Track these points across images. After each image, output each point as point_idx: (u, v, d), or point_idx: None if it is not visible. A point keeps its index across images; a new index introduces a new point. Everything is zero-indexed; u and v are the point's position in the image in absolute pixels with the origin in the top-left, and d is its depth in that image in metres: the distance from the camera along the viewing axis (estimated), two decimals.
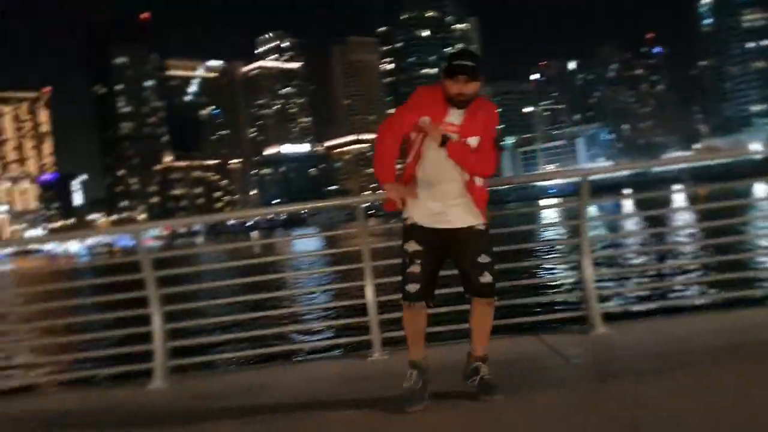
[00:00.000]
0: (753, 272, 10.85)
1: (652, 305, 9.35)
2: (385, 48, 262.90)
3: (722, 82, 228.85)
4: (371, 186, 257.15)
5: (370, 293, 4.75)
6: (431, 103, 3.36)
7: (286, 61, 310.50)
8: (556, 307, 11.50)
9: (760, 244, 11.97)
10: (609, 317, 4.72)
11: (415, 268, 3.38)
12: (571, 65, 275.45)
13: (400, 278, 3.45)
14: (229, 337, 6.01)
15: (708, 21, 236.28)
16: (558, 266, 16.22)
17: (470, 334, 3.53)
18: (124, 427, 3.87)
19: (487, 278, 3.35)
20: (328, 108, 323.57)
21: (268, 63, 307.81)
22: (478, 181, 3.41)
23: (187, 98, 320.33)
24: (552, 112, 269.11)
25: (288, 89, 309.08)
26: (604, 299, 5.35)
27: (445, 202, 3.38)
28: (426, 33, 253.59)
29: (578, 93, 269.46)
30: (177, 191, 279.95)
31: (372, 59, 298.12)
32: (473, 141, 3.34)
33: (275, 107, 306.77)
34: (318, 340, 9.36)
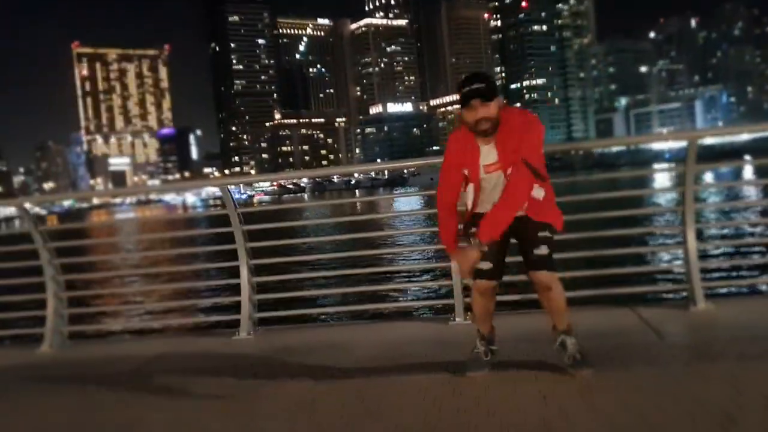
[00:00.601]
0: None
1: (761, 283, 8.69)
2: (493, 4, 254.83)
3: None
4: None
5: (244, 273, 4.80)
6: (462, 151, 3.27)
7: (394, 18, 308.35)
8: (656, 280, 11.11)
9: None
10: (713, 294, 4.51)
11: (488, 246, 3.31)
12: (693, 22, 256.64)
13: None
14: (316, 293, 6.04)
15: None
16: (661, 237, 15.57)
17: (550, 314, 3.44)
18: (209, 374, 4.04)
19: (543, 250, 3.22)
20: (434, 66, 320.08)
21: (375, 20, 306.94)
22: (536, 194, 3.24)
23: (297, 56, 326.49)
24: (669, 73, 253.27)
25: (394, 47, 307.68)
26: (708, 274, 4.97)
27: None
28: None
29: (699, 53, 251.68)
30: (285, 148, 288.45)
31: (479, 16, 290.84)
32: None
33: (381, 66, 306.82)
34: (404, 300, 9.40)
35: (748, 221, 16.03)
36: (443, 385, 3.38)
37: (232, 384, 3.79)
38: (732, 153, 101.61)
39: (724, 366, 3.20)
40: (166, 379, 4.04)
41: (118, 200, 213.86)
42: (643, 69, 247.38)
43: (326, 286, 8.76)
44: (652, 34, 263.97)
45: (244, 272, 4.87)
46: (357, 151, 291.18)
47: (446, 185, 3.36)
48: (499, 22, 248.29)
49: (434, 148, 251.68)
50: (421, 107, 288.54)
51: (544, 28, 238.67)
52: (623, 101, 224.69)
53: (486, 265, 3.31)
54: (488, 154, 3.20)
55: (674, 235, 5.03)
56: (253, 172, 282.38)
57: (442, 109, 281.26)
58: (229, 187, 4.88)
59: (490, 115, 3.09)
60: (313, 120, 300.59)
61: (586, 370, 3.31)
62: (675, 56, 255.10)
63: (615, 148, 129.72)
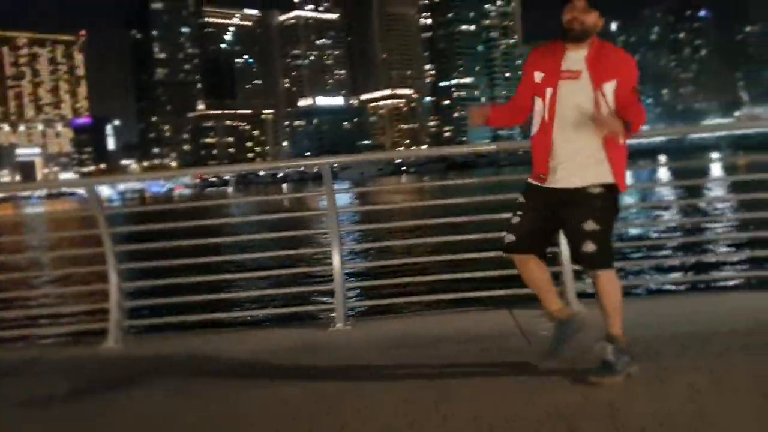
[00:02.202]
0: None
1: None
2: (424, 2, 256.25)
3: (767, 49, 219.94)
4: (405, 142, 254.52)
5: (337, 260, 4.57)
6: (545, 52, 3.19)
7: (324, 11, 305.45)
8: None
9: None
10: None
11: (514, 219, 3.25)
12: (614, 26, 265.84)
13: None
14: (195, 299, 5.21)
15: None
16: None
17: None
18: (74, 383, 3.87)
19: (588, 247, 3.01)
20: (364, 61, 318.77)
21: (305, 12, 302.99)
22: (621, 139, 3.07)
23: (223, 46, 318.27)
24: None
25: (324, 40, 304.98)
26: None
27: (560, 160, 3.10)
28: None
29: None
30: (209, 140, 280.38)
31: (411, 13, 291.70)
32: (608, 87, 3.02)
33: (310, 58, 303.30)
34: (279, 305, 7.93)
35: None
36: (321, 395, 3.31)
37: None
38: (649, 152, 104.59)
39: (577, 370, 3.24)
40: None
41: (26, 193, 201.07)
42: None
43: (218, 290, 8.33)
44: None
45: (113, 277, 4.65)
46: (285, 144, 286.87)
47: (519, 89, 3.31)
48: (429, 20, 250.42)
49: (365, 142, 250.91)
50: (351, 101, 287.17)
51: (472, 27, 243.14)
52: None
53: (509, 238, 3.25)
54: (573, 60, 3.07)
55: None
56: (174, 164, 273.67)
57: (373, 104, 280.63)
58: (95, 187, 4.83)
59: (584, 19, 3.02)
60: (239, 111, 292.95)
61: (607, 378, 3.10)
62: None
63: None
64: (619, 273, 3.37)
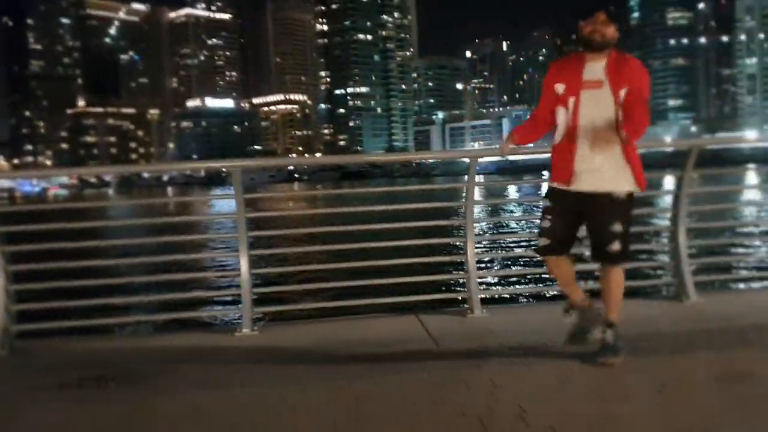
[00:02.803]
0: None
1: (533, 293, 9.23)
2: (320, 8, 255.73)
3: None
4: (298, 148, 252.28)
5: (244, 265, 4.49)
6: (564, 65, 3.41)
7: (217, 11, 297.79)
8: (450, 287, 11.35)
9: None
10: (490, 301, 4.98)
11: (545, 223, 3.47)
12: (505, 46, 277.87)
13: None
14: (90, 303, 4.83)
15: (636, 15, 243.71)
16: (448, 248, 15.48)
17: (602, 299, 3.57)
18: None
19: (615, 247, 3.34)
20: (257, 64, 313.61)
21: (197, 11, 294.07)
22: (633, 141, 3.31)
23: (107, 41, 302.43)
24: (482, 91, 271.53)
25: (216, 41, 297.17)
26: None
27: (594, 165, 3.30)
28: None
29: (508, 74, 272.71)
30: (89, 138, 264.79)
31: (307, 19, 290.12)
32: (622, 93, 3.22)
33: (201, 58, 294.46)
34: (186, 311, 7.42)
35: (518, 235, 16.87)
36: (219, 404, 3.20)
37: None
38: (537, 167, 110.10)
39: (486, 373, 3.39)
40: None
41: None
42: (459, 86, 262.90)
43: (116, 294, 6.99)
44: (468, 54, 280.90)
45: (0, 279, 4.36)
46: (171, 145, 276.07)
47: (540, 103, 3.51)
48: (325, 27, 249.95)
49: (256, 147, 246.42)
50: (243, 104, 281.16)
51: (369, 37, 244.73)
52: (441, 115, 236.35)
53: (543, 242, 3.48)
54: (593, 70, 3.28)
55: (459, 247, 4.85)
56: (49, 162, 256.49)
57: (266, 108, 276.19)
58: None
59: (605, 31, 3.22)
60: (122, 110, 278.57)
61: (615, 359, 3.41)
62: (488, 76, 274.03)
63: (431, 159, 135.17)
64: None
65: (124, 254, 5.71)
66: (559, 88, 3.33)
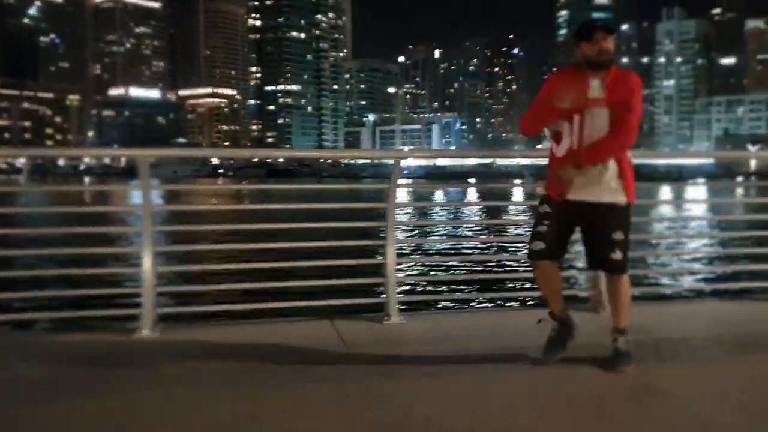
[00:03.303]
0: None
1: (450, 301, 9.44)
2: (254, 3, 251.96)
3: None
4: (225, 143, 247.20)
5: (148, 262, 4.20)
6: (569, 80, 3.37)
7: None
8: (370, 292, 11.20)
9: None
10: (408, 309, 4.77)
11: (541, 228, 3.45)
12: (437, 53, 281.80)
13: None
14: None
15: (563, 32, 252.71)
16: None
17: (611, 307, 3.60)
18: None
19: (617, 255, 3.37)
20: (186, 56, 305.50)
21: None
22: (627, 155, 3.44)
23: (26, 21, 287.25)
24: (413, 96, 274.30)
25: (144, 29, 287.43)
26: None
27: (594, 177, 3.36)
28: None
29: (440, 81, 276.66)
30: (1, 122, 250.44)
31: (240, 12, 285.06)
32: (617, 110, 3.31)
33: (127, 46, 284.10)
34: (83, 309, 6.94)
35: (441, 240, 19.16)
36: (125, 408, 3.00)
37: None
38: (462, 174, 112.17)
39: (397, 383, 3.29)
40: None
41: None
42: (391, 90, 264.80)
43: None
44: (401, 59, 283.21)
45: None
46: (91, 133, 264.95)
47: (536, 116, 3.50)
48: (258, 22, 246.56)
49: (180, 140, 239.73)
50: (169, 96, 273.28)
51: (303, 35, 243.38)
52: (371, 117, 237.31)
53: (538, 246, 3.44)
54: (596, 88, 3.31)
55: (379, 250, 4.69)
56: None
57: (193, 101, 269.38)
58: None
59: (609, 48, 3.28)
60: (40, 94, 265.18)
61: (627, 367, 3.42)
62: (419, 82, 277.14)
63: (360, 161, 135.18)
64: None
65: (17, 244, 5.25)
66: (563, 102, 3.30)
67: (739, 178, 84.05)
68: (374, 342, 4.06)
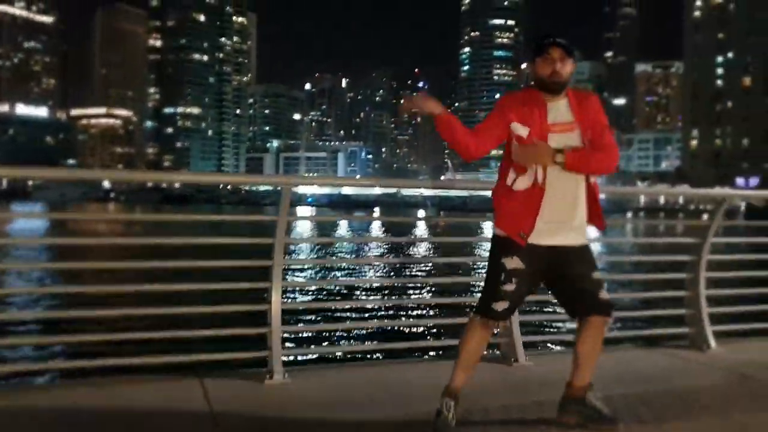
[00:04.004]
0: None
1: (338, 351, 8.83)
2: (155, 23, 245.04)
3: (470, 126, 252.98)
4: (118, 165, 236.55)
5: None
6: (524, 102, 2.96)
7: (38, 12, 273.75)
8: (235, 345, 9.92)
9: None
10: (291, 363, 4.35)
11: (510, 287, 2.94)
12: (344, 82, 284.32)
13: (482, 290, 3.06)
14: None
15: (466, 68, 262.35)
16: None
17: (576, 361, 3.06)
18: None
19: (605, 295, 2.97)
20: (80, 74, 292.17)
21: (14, 9, 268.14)
22: (593, 179, 3.04)
23: None
24: (319, 124, 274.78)
25: (34, 44, 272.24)
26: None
27: (564, 217, 2.96)
28: (202, 17, 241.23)
29: (346, 110, 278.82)
30: None
31: (139, 32, 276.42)
32: (589, 134, 2.95)
33: (14, 60, 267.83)
34: None
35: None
36: None
37: None
38: (369, 203, 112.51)
39: None
40: None
41: None
42: (297, 116, 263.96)
43: None
44: (308, 86, 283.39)
45: None
46: None
47: (485, 135, 2.99)
48: (159, 42, 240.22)
49: (70, 161, 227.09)
50: (59, 115, 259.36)
51: (206, 58, 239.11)
52: (275, 143, 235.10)
53: (501, 306, 2.97)
54: (558, 112, 2.94)
55: (262, 295, 3.82)
56: None
57: (85, 121, 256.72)
58: None
59: (564, 71, 2.90)
60: None
61: (619, 426, 3.03)
62: (325, 109, 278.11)
63: (263, 187, 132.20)
64: None
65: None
66: (521, 130, 2.90)
67: (629, 214, 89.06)
68: (249, 407, 3.34)
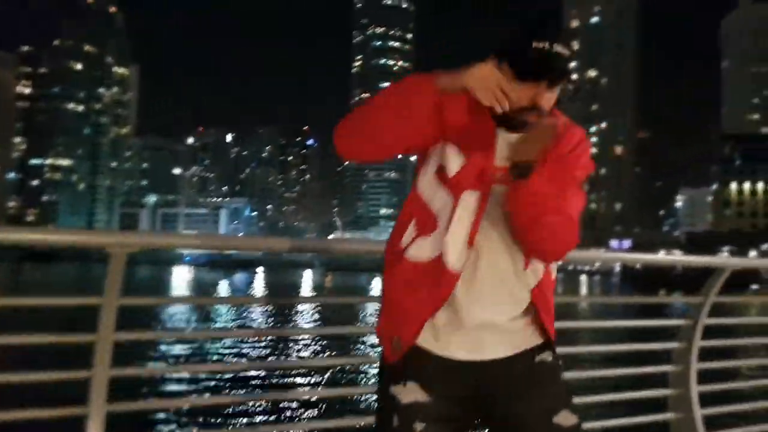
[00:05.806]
0: None
1: None
2: (26, 69, 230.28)
3: (360, 184, 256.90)
4: None
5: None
6: (466, 118, 1.64)
7: None
8: None
9: None
10: None
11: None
12: (229, 137, 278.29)
13: None
14: None
15: None
16: None
17: None
18: None
19: (571, 420, 1.63)
20: None
21: None
22: (550, 266, 1.72)
23: None
24: (201, 179, 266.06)
25: None
26: None
27: (483, 310, 1.63)
28: (79, 66, 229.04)
29: (230, 166, 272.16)
30: None
31: (7, 77, 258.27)
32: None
33: None
34: None
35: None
36: None
37: None
38: (250, 262, 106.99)
39: None
40: None
41: None
42: (177, 171, 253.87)
43: None
44: (190, 140, 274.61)
45: None
46: None
47: (388, 128, 1.61)
48: (28, 89, 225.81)
49: None
50: None
51: (81, 108, 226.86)
52: (153, 198, 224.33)
53: None
54: (511, 148, 1.63)
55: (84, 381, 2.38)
56: None
57: None
58: None
59: (544, 106, 1.60)
60: None
61: None
62: (209, 165, 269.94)
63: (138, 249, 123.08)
64: None
65: None
66: (452, 160, 1.63)
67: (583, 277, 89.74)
68: None
